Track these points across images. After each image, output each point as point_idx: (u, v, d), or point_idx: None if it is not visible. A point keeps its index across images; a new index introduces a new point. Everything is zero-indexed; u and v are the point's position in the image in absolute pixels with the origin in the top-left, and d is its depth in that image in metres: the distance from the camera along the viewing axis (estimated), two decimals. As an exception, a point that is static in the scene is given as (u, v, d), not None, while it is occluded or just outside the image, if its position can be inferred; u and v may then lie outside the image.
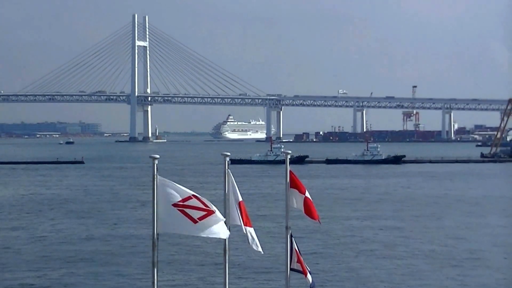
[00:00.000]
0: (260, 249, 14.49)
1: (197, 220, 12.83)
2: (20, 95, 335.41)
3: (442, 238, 50.58)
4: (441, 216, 62.86)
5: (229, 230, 13.69)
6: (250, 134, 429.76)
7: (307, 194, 15.67)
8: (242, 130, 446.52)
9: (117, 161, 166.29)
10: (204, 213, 12.82)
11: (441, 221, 59.81)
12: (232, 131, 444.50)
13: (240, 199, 14.48)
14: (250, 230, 14.34)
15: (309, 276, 15.65)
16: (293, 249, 15.58)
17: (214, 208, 12.92)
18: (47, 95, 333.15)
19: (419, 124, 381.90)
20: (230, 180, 14.49)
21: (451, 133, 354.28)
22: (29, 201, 76.29)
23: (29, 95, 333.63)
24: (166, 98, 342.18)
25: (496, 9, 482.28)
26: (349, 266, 40.52)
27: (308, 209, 15.64)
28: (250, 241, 14.40)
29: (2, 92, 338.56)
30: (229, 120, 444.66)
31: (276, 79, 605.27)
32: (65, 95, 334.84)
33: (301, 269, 15.62)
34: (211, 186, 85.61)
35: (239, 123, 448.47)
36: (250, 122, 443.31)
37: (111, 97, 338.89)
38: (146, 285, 34.07)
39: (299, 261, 15.58)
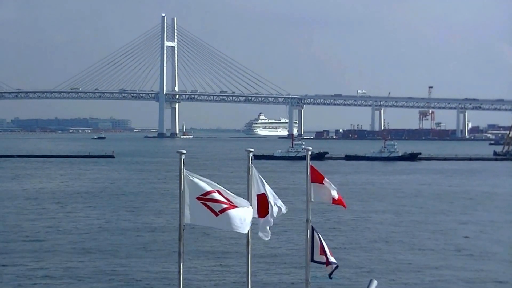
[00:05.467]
0: (266, 238, 14.91)
1: (218, 213, 12.94)
2: (55, 92, 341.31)
3: (454, 232, 50.92)
4: (454, 211, 63.43)
5: (251, 223, 13.88)
6: (280, 131, 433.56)
7: (326, 185, 15.75)
8: (272, 127, 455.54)
9: (146, 156, 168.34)
10: (226, 206, 12.91)
11: (454, 216, 60.22)
12: (263, 128, 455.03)
13: (262, 191, 14.62)
14: (262, 220, 14.68)
15: (330, 266, 15.56)
16: (315, 241, 15.49)
17: (239, 202, 13.06)
18: (80, 92, 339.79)
19: (440, 123, 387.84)
20: (254, 174, 14.57)
21: (465, 132, 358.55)
22: (61, 193, 77.01)
23: (63, 92, 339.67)
24: (193, 96, 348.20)
25: (504, 13, 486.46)
26: (367, 258, 40.45)
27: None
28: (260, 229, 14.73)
29: (38, 89, 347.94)
30: (260, 118, 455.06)
31: (298, 79, 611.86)
32: (97, 92, 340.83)
33: (324, 261, 15.52)
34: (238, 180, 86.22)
35: (269, 120, 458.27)
36: (280, 120, 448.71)
37: (141, 94, 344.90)
38: (172, 274, 34.57)
39: (322, 253, 15.43)
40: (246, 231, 13.30)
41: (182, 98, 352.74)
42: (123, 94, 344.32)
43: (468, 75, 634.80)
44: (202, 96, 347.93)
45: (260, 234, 14.80)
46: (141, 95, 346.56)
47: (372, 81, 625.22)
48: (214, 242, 43.76)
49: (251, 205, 13.96)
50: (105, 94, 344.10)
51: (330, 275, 15.63)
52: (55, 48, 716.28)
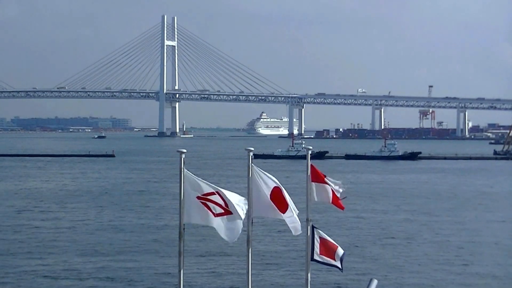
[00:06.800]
0: (296, 233, 14.67)
1: (216, 215, 12.99)
2: (55, 91, 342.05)
3: (454, 232, 50.90)
4: (454, 210, 63.48)
5: (252, 222, 14.09)
6: (282, 130, 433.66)
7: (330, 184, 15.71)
8: (274, 127, 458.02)
9: (146, 155, 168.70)
10: (222, 211, 12.95)
11: (454, 215, 60.13)
12: (266, 127, 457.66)
13: (275, 185, 14.55)
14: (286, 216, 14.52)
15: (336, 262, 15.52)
16: (315, 240, 15.41)
17: (234, 209, 12.99)
18: (80, 91, 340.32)
19: (442, 122, 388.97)
20: (256, 173, 14.45)
21: (465, 131, 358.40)
22: (61, 192, 77.29)
23: (63, 91, 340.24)
24: (193, 95, 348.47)
25: (505, 13, 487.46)
26: (367, 257, 40.57)
27: (335, 199, 15.78)
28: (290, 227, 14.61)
29: (37, 88, 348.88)
30: (262, 117, 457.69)
31: (299, 78, 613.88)
32: (97, 91, 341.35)
33: (323, 261, 15.52)
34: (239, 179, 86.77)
35: (271, 119, 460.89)
36: (282, 119, 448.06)
37: (141, 93, 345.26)
38: (172, 274, 34.81)
39: (322, 252, 15.41)
40: (233, 241, 13.25)
41: (182, 97, 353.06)
42: (123, 93, 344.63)
43: (468, 74, 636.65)
44: (202, 95, 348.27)
45: (293, 231, 14.69)
46: (141, 94, 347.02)
47: (372, 80, 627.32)
48: (214, 242, 43.53)
49: (251, 204, 13.91)
50: (105, 93, 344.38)
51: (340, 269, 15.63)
52: (55, 47, 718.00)
